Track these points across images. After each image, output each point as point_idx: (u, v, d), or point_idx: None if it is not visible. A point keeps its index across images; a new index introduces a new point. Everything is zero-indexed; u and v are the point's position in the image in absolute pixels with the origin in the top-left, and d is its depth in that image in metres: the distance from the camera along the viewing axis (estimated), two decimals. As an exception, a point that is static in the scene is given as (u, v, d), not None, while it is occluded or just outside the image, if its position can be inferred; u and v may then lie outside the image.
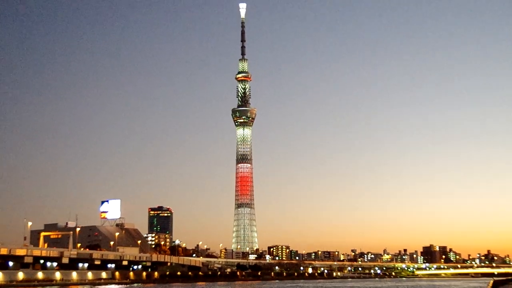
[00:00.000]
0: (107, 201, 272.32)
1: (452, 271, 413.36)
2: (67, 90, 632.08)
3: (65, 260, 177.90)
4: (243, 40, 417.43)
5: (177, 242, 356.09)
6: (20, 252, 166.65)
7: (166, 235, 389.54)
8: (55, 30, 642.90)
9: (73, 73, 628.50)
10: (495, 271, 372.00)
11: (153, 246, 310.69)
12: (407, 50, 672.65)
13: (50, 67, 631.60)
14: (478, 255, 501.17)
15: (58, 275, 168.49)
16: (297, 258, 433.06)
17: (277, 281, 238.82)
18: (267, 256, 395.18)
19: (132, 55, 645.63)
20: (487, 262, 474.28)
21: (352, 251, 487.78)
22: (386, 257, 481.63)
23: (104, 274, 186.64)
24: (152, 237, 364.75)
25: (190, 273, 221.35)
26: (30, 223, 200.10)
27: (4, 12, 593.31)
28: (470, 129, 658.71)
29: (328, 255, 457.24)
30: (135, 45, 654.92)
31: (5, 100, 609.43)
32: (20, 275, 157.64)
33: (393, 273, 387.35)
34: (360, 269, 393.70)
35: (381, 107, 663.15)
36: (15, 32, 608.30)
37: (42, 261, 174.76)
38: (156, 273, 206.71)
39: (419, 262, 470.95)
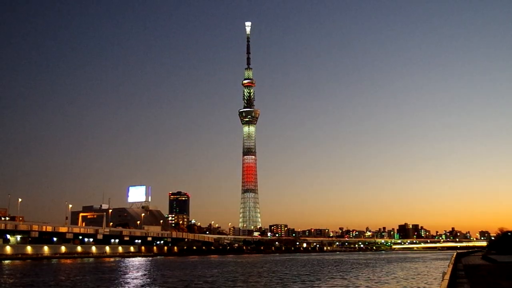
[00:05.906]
0: (139, 186, 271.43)
1: (422, 245, 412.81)
2: (97, 90, 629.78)
3: (99, 236, 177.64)
4: (248, 52, 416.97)
5: (193, 221, 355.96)
6: (63, 229, 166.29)
7: (184, 216, 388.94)
8: (68, 25, 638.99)
9: (105, 72, 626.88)
10: (458, 245, 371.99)
11: (173, 225, 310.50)
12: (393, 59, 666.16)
13: (79, 58, 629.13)
14: (444, 232, 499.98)
15: (94, 248, 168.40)
16: (293, 234, 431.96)
17: (277, 254, 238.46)
18: (269, 233, 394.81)
19: (165, 65, 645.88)
20: (451, 238, 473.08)
21: (340, 228, 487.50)
22: (368, 234, 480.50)
23: (132, 248, 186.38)
24: (172, 217, 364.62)
25: (204, 247, 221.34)
26: (70, 206, 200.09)
27: (4, 12, 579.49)
28: (437, 123, 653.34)
29: (320, 232, 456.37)
30: (165, 56, 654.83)
31: (39, 95, 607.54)
32: (63, 248, 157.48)
33: (374, 247, 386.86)
34: (346, 244, 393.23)
35: (363, 102, 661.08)
36: (16, 31, 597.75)
37: (80, 237, 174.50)
38: (175, 248, 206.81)
39: (396, 238, 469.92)
